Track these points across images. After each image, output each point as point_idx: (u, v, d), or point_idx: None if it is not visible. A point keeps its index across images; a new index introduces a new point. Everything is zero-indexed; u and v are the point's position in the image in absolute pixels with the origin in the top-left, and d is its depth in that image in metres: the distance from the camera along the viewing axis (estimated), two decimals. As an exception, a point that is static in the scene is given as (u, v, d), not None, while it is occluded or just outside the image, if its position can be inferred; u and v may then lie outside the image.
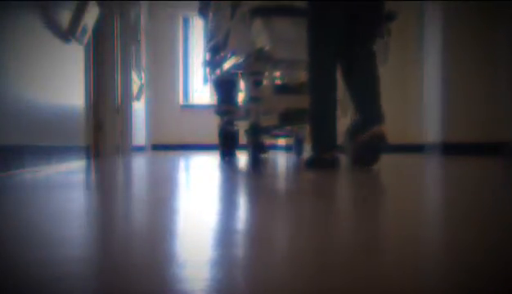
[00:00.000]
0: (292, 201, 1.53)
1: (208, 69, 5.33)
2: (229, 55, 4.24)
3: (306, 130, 4.25)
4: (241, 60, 3.92)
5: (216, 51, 4.81)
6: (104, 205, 1.48)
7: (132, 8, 7.12)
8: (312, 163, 3.12)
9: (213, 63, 5.04)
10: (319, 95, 3.13)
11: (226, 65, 4.41)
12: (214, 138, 10.20)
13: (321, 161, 3.08)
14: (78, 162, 4.06)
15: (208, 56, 5.24)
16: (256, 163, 3.58)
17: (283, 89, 4.06)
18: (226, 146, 5.28)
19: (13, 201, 1.57)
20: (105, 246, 0.90)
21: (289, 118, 4.04)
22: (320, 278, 0.67)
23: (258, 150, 3.66)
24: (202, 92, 10.38)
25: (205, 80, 5.52)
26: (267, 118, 4.01)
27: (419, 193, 1.78)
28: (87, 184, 2.16)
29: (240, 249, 0.85)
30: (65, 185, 2.06)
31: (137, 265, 0.75)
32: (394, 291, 0.62)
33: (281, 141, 7.98)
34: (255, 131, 3.74)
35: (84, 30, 3.98)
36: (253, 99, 3.80)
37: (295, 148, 5.90)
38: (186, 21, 10.51)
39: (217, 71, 4.89)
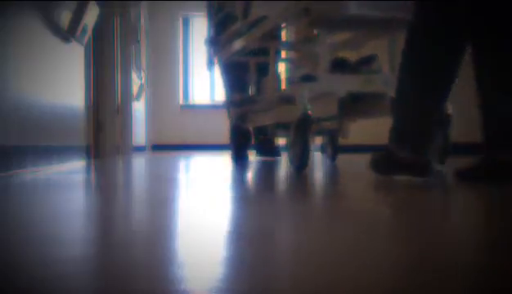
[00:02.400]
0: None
1: (213, 50, 4.36)
2: (246, 29, 3.47)
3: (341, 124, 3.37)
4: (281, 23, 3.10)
5: (225, 25, 4.00)
6: (104, 205, 1.47)
7: (132, 8, 7.12)
8: (394, 167, 2.26)
9: (219, 41, 4.16)
10: (421, 76, 2.20)
11: (240, 43, 3.63)
12: (214, 138, 10.26)
13: (409, 165, 2.23)
14: (78, 162, 4.06)
15: (213, 32, 4.38)
16: (302, 166, 2.73)
17: (345, 65, 3.10)
18: (241, 147, 4.35)
19: (13, 201, 1.57)
20: (106, 246, 0.90)
21: (354, 106, 3.09)
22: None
23: (306, 148, 2.66)
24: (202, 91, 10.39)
25: (210, 64, 4.50)
26: (320, 106, 2.94)
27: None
28: (87, 185, 2.16)
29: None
30: (65, 185, 2.06)
31: (137, 265, 0.75)
32: None
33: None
34: (305, 124, 2.73)
35: (84, 30, 3.98)
36: (305, 78, 2.82)
37: (329, 149, 4.23)
38: (186, 21, 10.51)
39: (227, 51, 4.00)
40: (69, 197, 1.63)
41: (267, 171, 3.07)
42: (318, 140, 6.95)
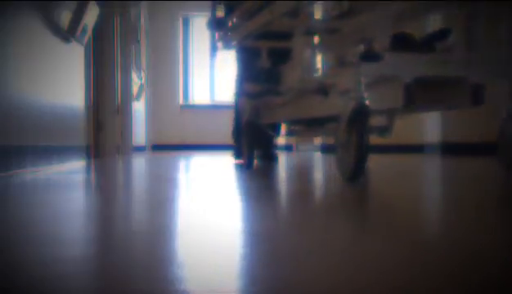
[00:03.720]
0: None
1: (218, 33, 3.73)
2: (266, 4, 2.90)
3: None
4: None
5: (235, 2, 3.41)
6: (104, 205, 1.47)
7: (132, 8, 7.12)
8: None
9: (227, 22, 3.57)
10: None
11: (258, 22, 3.03)
12: (214, 138, 10.26)
13: None
14: (78, 162, 4.06)
15: (219, 13, 3.82)
16: (357, 175, 2.03)
17: (410, 42, 2.42)
18: (254, 148, 3.57)
19: (13, 201, 1.57)
20: (106, 246, 0.90)
21: (424, 95, 2.29)
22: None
23: (363, 151, 1.97)
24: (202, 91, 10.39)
25: (213, 50, 3.91)
26: (380, 95, 2.25)
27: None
28: (87, 185, 2.16)
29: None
30: (65, 185, 2.06)
31: (137, 265, 0.75)
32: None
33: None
34: (362, 118, 2.03)
35: (84, 30, 3.98)
36: (366, 57, 2.17)
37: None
38: (186, 21, 10.51)
39: (239, 34, 3.39)
40: (69, 197, 1.63)
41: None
42: (317, 140, 6.87)
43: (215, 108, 10.14)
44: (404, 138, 6.74)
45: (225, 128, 9.61)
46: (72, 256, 0.80)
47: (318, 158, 4.79)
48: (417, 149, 6.65)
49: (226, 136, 10.18)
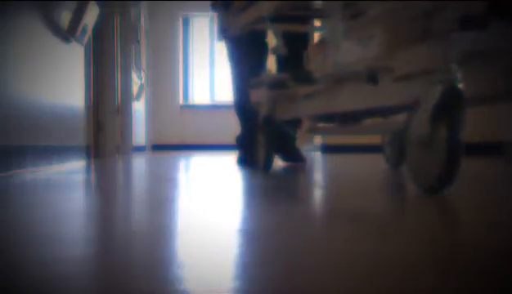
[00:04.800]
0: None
1: (223, 19, 3.37)
2: None
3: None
4: None
5: None
6: (104, 205, 1.47)
7: (132, 8, 7.12)
8: None
9: (231, 6, 3.16)
10: None
11: (258, 11, 2.76)
12: (214, 138, 10.27)
13: None
14: (78, 162, 4.06)
15: None
16: (446, 183, 1.55)
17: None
18: (274, 150, 3.02)
19: (13, 201, 1.57)
20: (106, 246, 0.90)
21: None
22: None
23: (457, 151, 1.50)
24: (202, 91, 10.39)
25: (222, 32, 3.43)
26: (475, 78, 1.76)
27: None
28: (87, 185, 2.16)
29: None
30: (65, 185, 2.06)
31: (137, 265, 0.75)
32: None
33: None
34: (456, 105, 1.56)
35: (84, 30, 3.98)
36: (464, 23, 1.57)
37: (394, 151, 2.95)
38: (186, 21, 10.51)
39: (242, 20, 3.01)
40: (69, 197, 1.63)
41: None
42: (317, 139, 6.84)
43: (215, 108, 10.14)
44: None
45: (225, 128, 9.68)
46: (72, 256, 0.80)
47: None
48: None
49: (227, 136, 10.18)
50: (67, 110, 3.84)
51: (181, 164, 4.08)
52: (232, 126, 9.46)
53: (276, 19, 2.80)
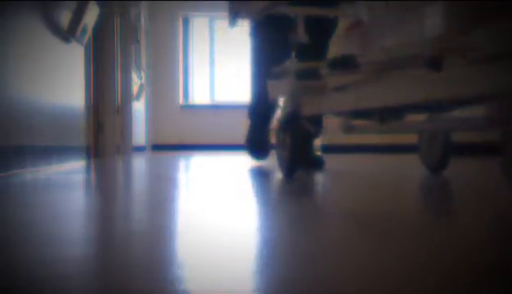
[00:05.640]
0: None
1: (234, 2, 3.07)
2: None
3: None
4: None
5: None
6: (104, 205, 1.47)
7: (132, 8, 7.12)
8: None
9: None
10: None
11: None
12: (214, 138, 10.26)
13: None
14: (78, 162, 4.06)
15: None
16: None
17: None
18: (301, 152, 2.68)
19: (13, 201, 1.57)
20: (106, 246, 0.90)
21: None
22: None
23: None
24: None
25: (234, 16, 3.13)
26: None
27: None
28: (87, 185, 2.16)
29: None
30: (64, 185, 2.06)
31: (137, 265, 0.75)
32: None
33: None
34: None
35: (84, 30, 3.98)
36: None
37: (436, 152, 2.54)
38: (186, 21, 10.51)
39: (259, 3, 2.73)
40: (69, 197, 1.63)
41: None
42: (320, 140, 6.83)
43: (215, 108, 10.14)
44: (403, 138, 6.73)
45: (225, 128, 9.68)
46: (72, 256, 0.80)
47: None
48: (416, 149, 6.63)
49: (227, 136, 10.16)
50: (67, 110, 3.84)
51: (181, 164, 4.07)
52: (232, 126, 9.47)
53: (297, 1, 2.50)
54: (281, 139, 2.51)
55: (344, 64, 2.02)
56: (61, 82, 3.70)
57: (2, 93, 2.65)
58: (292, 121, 2.45)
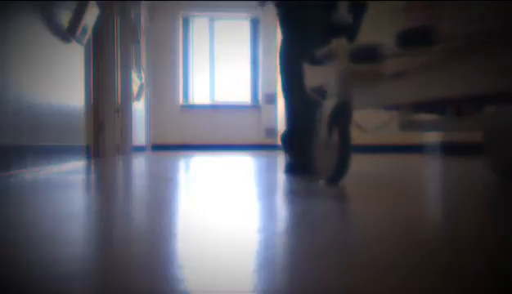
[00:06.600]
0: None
1: None
2: None
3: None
4: None
5: None
6: (104, 205, 1.47)
7: (132, 8, 7.12)
8: None
9: None
10: None
11: None
12: (214, 138, 10.27)
13: None
14: (78, 162, 4.06)
15: None
16: None
17: None
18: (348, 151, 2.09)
19: (13, 201, 1.57)
20: (106, 246, 0.90)
21: None
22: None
23: None
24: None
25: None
26: None
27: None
28: (87, 185, 2.16)
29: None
30: (65, 185, 2.06)
31: (137, 265, 0.75)
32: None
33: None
34: None
35: (84, 30, 3.98)
36: None
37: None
38: (186, 21, 10.51)
39: None
40: (69, 197, 1.63)
41: None
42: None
43: (215, 108, 10.14)
44: (402, 138, 6.74)
45: (225, 128, 9.68)
46: (72, 256, 0.80)
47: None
48: (416, 148, 6.65)
49: (227, 136, 10.15)
50: (67, 110, 3.84)
51: (182, 164, 4.07)
52: (232, 126, 9.48)
53: None
54: (324, 137, 2.12)
55: (421, 38, 1.60)
56: (61, 82, 3.70)
57: (2, 93, 2.65)
58: (342, 113, 2.02)
